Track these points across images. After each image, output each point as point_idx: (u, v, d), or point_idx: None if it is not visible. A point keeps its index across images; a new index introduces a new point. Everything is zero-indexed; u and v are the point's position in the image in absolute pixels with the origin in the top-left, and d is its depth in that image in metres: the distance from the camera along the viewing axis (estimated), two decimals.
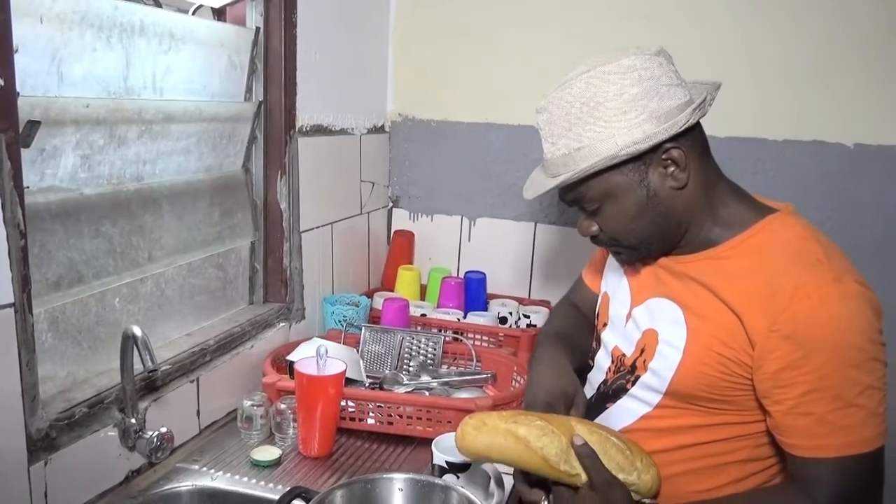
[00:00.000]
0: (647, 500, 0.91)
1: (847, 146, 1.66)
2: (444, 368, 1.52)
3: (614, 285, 1.12)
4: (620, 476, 0.88)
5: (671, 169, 0.93)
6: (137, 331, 0.99)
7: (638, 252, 1.00)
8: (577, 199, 0.98)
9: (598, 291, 1.19)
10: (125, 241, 1.13)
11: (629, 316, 1.06)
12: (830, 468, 0.85)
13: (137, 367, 1.03)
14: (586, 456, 0.86)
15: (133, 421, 1.06)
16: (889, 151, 1.63)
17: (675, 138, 0.91)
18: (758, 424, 0.93)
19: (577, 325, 1.24)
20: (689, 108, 0.91)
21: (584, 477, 0.87)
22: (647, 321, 1.01)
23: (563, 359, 1.11)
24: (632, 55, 0.92)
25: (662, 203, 0.94)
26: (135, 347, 1.00)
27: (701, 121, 0.96)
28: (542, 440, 0.86)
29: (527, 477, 0.93)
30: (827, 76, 1.64)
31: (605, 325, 1.12)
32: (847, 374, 0.84)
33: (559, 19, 1.80)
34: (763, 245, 0.93)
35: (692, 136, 0.94)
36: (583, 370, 1.15)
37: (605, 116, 0.91)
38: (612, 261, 1.15)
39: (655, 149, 0.92)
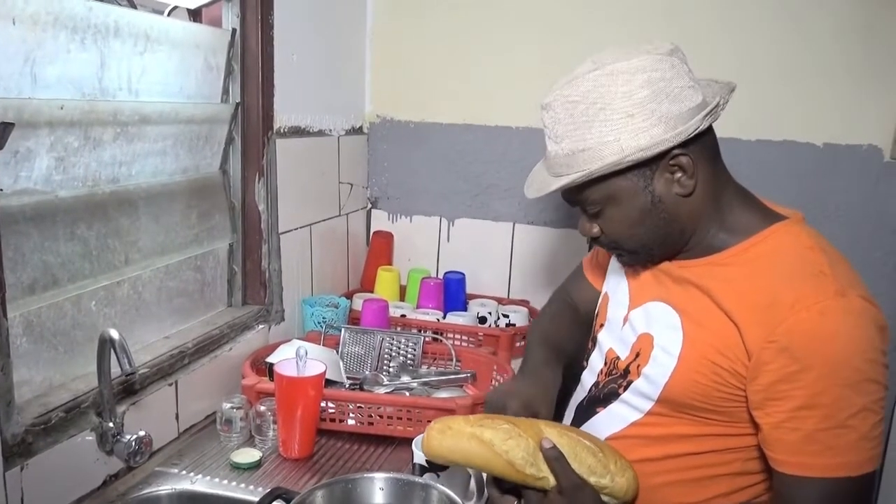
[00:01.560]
0: None
1: (817, 146, 1.70)
2: (424, 368, 1.52)
3: (615, 285, 1.10)
4: (592, 479, 0.86)
5: (678, 175, 0.90)
6: (114, 334, 0.99)
7: (639, 256, 0.98)
8: (579, 200, 0.95)
9: (600, 289, 1.16)
10: (101, 243, 1.12)
11: (626, 318, 1.03)
12: (814, 488, 0.82)
13: (115, 370, 1.02)
14: (554, 459, 0.85)
15: (111, 425, 1.05)
16: (857, 151, 1.67)
17: (684, 144, 0.88)
18: (749, 438, 0.90)
19: (570, 327, 1.22)
20: (700, 114, 0.88)
21: (552, 480, 0.86)
22: (643, 325, 0.99)
23: (550, 374, 1.09)
24: (643, 54, 0.88)
25: (667, 209, 0.91)
26: (112, 351, 0.99)
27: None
28: (507, 443, 0.85)
29: (498, 483, 0.91)
30: (797, 77, 1.67)
31: (602, 325, 1.10)
32: (841, 394, 0.81)
33: (538, 20, 1.82)
34: (767, 253, 0.90)
35: (702, 141, 0.90)
36: (569, 368, 1.14)
37: (612, 119, 0.87)
38: (615, 260, 1.13)
39: (663, 155, 0.88)
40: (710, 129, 0.93)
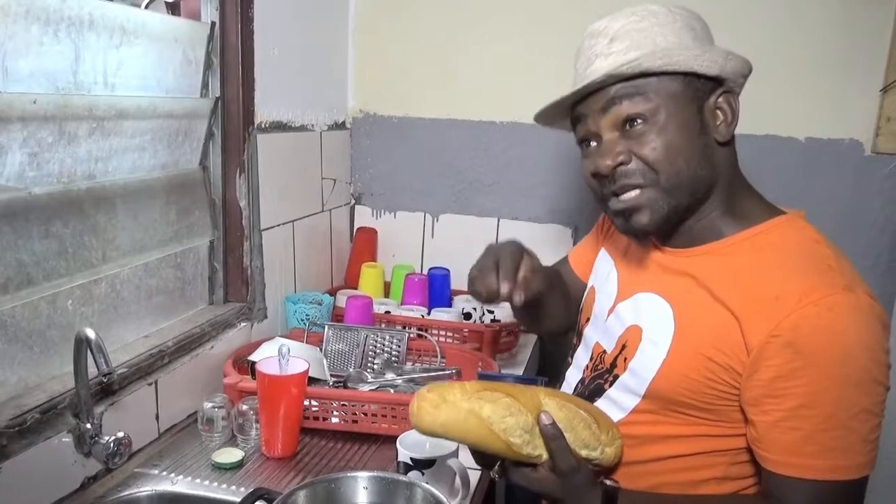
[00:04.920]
0: (608, 481, 0.86)
1: (799, 140, 1.71)
2: (408, 365, 1.51)
3: (602, 278, 1.06)
4: (584, 452, 0.84)
5: (719, 120, 0.88)
6: (91, 333, 0.97)
7: (665, 202, 0.87)
8: (627, 97, 0.86)
9: (586, 281, 1.14)
10: (77, 241, 1.10)
11: (612, 310, 1.00)
12: (809, 491, 0.79)
13: (92, 370, 1.00)
14: (552, 438, 0.82)
15: (88, 426, 1.03)
16: (838, 145, 1.68)
17: (730, 89, 0.88)
18: (737, 440, 0.86)
19: (556, 282, 1.18)
20: (747, 66, 0.89)
21: (545, 456, 0.83)
22: (632, 317, 0.95)
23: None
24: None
25: (707, 147, 0.88)
26: (88, 351, 0.97)
27: None
28: (507, 420, 0.81)
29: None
30: (778, 72, 1.68)
31: (587, 319, 1.06)
32: (845, 393, 0.78)
33: (521, 15, 1.81)
34: (771, 244, 0.87)
35: (738, 101, 0.91)
36: (545, 324, 1.14)
37: (680, 34, 0.88)
38: (604, 252, 1.10)
39: (715, 87, 0.88)
40: None
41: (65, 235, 1.08)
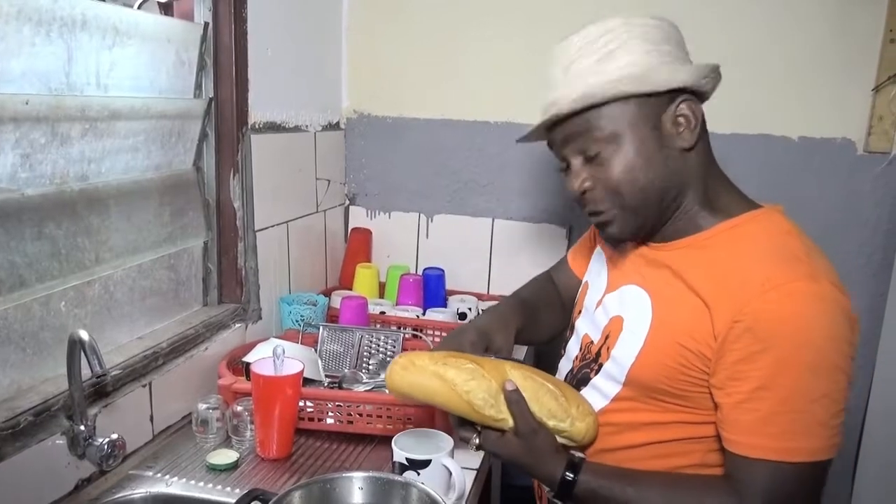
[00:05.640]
0: (576, 452, 0.92)
1: (792, 139, 1.71)
2: None
3: (595, 274, 1.10)
4: (551, 423, 0.89)
5: (681, 128, 0.90)
6: (84, 335, 0.96)
7: (634, 218, 0.93)
8: (580, 135, 0.91)
9: (582, 278, 1.16)
10: (70, 242, 1.10)
11: (600, 302, 1.04)
12: (767, 471, 0.82)
13: (86, 372, 1.00)
14: (514, 402, 0.88)
15: (82, 428, 1.03)
16: (830, 144, 1.69)
17: (690, 94, 0.90)
18: (711, 427, 0.89)
19: (545, 299, 1.22)
20: (708, 68, 0.91)
21: (510, 422, 0.88)
22: (616, 308, 0.99)
23: (514, 317, 1.11)
24: (655, 17, 0.94)
25: (670, 158, 0.90)
26: (82, 352, 0.97)
27: None
28: (469, 384, 0.87)
29: (461, 418, 0.93)
30: (771, 71, 1.69)
31: (579, 312, 1.10)
32: (804, 377, 0.80)
33: (517, 14, 1.81)
34: (745, 236, 0.90)
35: (699, 105, 0.93)
36: (534, 342, 1.16)
37: (632, 48, 0.89)
38: (599, 251, 1.13)
39: (672, 98, 0.90)
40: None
41: (58, 237, 1.07)
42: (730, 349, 0.83)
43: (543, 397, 0.89)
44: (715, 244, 0.91)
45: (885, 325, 1.67)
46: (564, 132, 0.93)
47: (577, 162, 0.94)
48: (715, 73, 0.94)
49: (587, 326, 1.06)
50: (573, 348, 1.08)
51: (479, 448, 0.92)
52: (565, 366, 1.09)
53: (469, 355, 0.94)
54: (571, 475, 0.88)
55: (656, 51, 0.90)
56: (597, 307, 1.04)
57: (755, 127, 1.72)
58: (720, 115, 1.72)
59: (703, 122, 0.94)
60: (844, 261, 1.72)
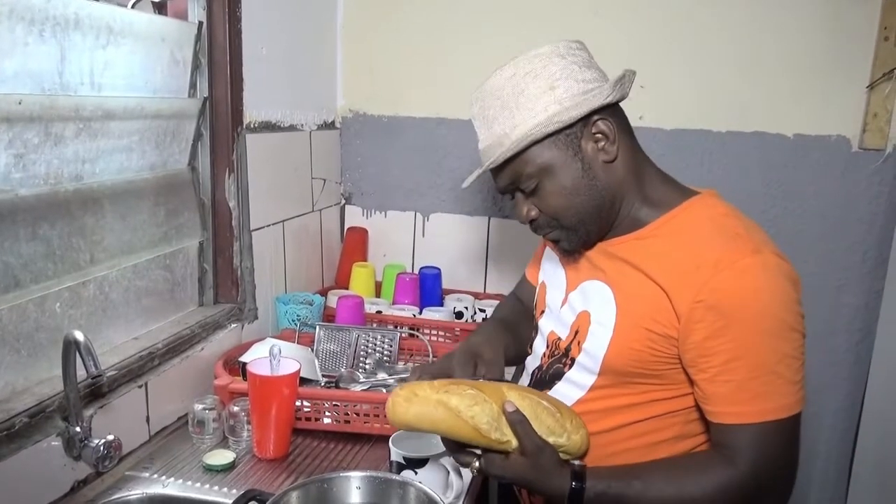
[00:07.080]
0: (575, 462, 0.94)
1: (787, 136, 1.72)
2: (400, 365, 1.51)
3: (551, 273, 1.14)
4: (551, 439, 0.91)
5: (601, 143, 0.97)
6: (79, 336, 0.96)
7: (577, 235, 1.01)
8: (514, 178, 0.99)
9: (537, 284, 1.21)
10: (65, 243, 1.09)
11: (565, 301, 1.08)
12: (750, 434, 0.89)
13: (81, 373, 0.99)
14: (518, 422, 0.89)
15: (78, 429, 1.02)
16: (825, 141, 1.69)
17: (601, 111, 0.95)
18: (686, 399, 0.96)
19: (521, 314, 1.27)
20: (609, 83, 0.96)
21: (514, 443, 0.90)
22: (581, 304, 1.04)
23: (498, 334, 1.15)
24: (553, 44, 0.98)
25: (597, 176, 0.97)
26: (77, 353, 0.96)
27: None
28: (473, 409, 0.88)
29: (458, 443, 0.94)
30: (767, 69, 1.69)
31: (542, 312, 1.14)
32: (767, 343, 0.88)
33: (510, 12, 1.81)
34: (686, 223, 0.97)
35: (617, 114, 0.99)
36: (522, 357, 1.18)
37: (536, 93, 0.96)
38: (548, 251, 1.17)
39: (585, 121, 0.95)
40: (620, 108, 1.00)
41: (52, 237, 1.07)
42: (695, 328, 0.89)
43: (542, 415, 0.91)
44: (662, 233, 0.98)
45: (880, 321, 1.68)
46: (501, 175, 1.01)
47: (519, 195, 1.02)
48: (627, 77, 0.99)
49: (552, 324, 1.10)
50: (539, 346, 1.12)
51: (480, 472, 0.93)
52: (532, 363, 1.13)
53: (466, 381, 0.95)
54: (579, 484, 0.91)
55: (559, 83, 0.95)
56: (562, 305, 1.08)
57: (750, 124, 1.72)
58: (715, 113, 1.74)
59: (625, 125, 1.00)
60: (840, 257, 1.72)
